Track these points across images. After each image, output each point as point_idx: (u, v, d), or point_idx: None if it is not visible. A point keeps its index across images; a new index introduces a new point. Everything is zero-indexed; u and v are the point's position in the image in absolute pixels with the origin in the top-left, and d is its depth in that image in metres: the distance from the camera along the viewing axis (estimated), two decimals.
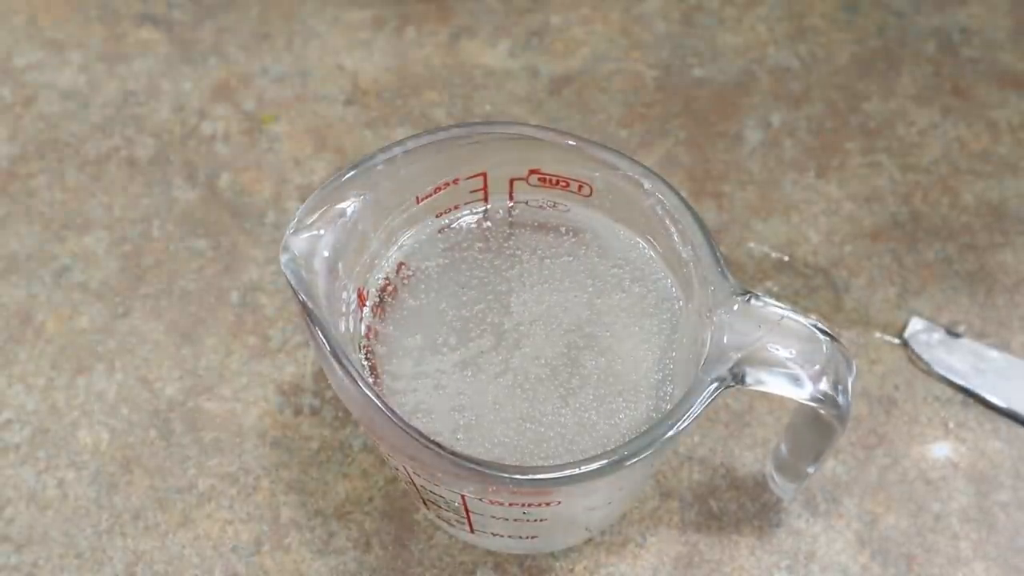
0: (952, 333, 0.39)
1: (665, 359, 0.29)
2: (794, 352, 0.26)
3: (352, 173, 0.27)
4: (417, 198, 0.30)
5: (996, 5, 0.50)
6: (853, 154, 0.45)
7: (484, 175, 0.30)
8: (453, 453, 0.24)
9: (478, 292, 0.30)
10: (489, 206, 0.32)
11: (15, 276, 0.41)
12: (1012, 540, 0.35)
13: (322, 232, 0.27)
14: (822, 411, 0.27)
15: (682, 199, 0.28)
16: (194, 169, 0.44)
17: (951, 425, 0.38)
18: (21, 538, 0.35)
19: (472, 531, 0.31)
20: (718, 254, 0.27)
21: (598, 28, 0.49)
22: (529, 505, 0.27)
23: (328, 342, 0.25)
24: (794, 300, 0.40)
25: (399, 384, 0.28)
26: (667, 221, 0.29)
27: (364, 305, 0.30)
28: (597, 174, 0.30)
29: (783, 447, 0.33)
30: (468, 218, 0.32)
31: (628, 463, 0.25)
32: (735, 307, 0.26)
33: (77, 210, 0.43)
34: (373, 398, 0.24)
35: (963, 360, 0.39)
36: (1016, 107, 0.46)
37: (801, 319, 0.26)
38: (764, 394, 0.32)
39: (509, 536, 0.31)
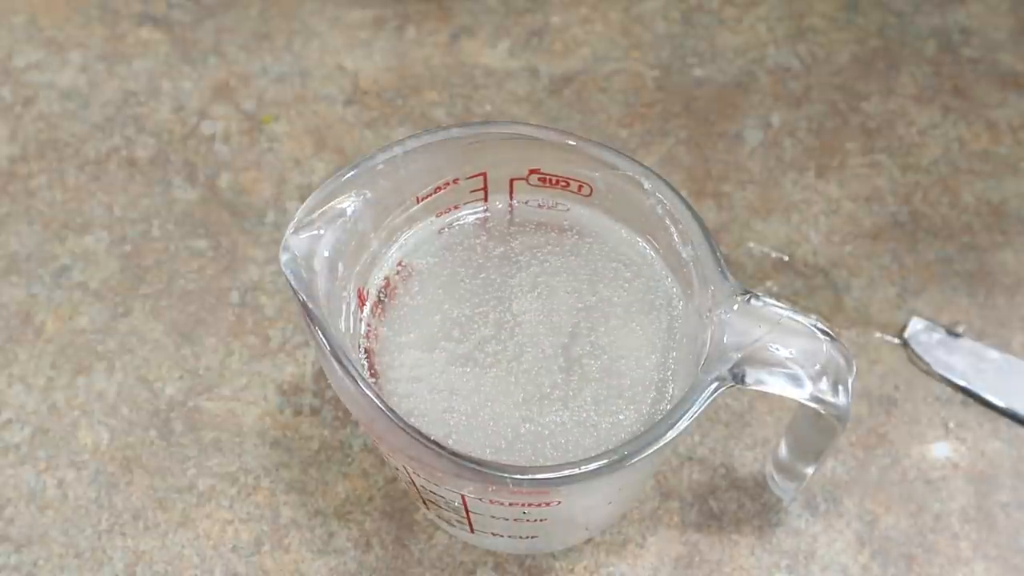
0: (952, 333, 0.39)
1: (665, 359, 0.29)
2: (794, 352, 0.26)
3: (352, 173, 0.27)
4: (417, 198, 0.30)
5: (996, 5, 0.50)
6: (853, 154, 0.45)
7: (484, 175, 0.30)
8: (453, 453, 0.24)
9: (478, 292, 0.30)
10: (489, 206, 0.32)
11: (15, 276, 0.41)
12: (1012, 540, 0.35)
13: (322, 232, 0.27)
14: (822, 411, 0.27)
15: (682, 199, 0.28)
16: (194, 169, 0.44)
17: (951, 425, 0.38)
18: (21, 538, 0.35)
19: (472, 531, 0.31)
20: (718, 254, 0.27)
21: (598, 28, 0.49)
22: (529, 505, 0.27)
23: (328, 342, 0.25)
24: (794, 300, 0.40)
25: (398, 384, 0.28)
26: (667, 221, 0.29)
27: (364, 305, 0.30)
28: (597, 174, 0.30)
29: (783, 447, 0.33)
30: (468, 218, 0.32)
31: (628, 463, 0.25)
32: (735, 307, 0.26)
33: (77, 210, 0.43)
34: (373, 398, 0.24)
35: (963, 360, 0.39)
36: (1016, 107, 0.46)
37: (801, 319, 0.26)
38: (764, 394, 0.32)
39: (509, 536, 0.31)
